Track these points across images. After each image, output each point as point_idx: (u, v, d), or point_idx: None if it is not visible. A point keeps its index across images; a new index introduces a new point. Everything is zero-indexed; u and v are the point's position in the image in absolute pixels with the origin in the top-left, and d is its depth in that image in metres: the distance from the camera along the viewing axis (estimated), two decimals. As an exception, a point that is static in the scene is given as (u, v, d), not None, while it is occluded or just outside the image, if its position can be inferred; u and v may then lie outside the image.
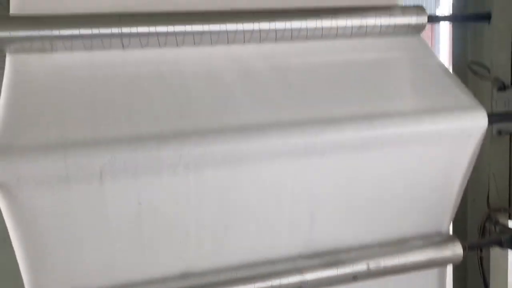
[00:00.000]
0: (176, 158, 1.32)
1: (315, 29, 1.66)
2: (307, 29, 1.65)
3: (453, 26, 2.02)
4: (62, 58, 1.48)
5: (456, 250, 1.73)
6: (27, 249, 1.30)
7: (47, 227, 1.29)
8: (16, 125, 1.27)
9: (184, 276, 1.46)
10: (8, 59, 1.45)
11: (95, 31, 1.47)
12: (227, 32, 1.58)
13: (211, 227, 1.43)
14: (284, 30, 1.63)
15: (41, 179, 1.23)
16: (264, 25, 1.60)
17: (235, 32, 1.59)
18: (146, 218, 1.36)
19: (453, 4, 2.02)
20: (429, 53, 1.78)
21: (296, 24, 1.63)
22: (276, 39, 1.63)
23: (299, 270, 1.55)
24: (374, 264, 1.62)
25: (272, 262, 1.55)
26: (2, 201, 1.22)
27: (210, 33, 1.56)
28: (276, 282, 1.52)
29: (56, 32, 1.44)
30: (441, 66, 1.72)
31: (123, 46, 1.52)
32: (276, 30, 1.62)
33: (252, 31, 1.60)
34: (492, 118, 1.61)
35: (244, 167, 1.39)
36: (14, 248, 1.31)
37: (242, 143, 1.38)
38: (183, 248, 1.43)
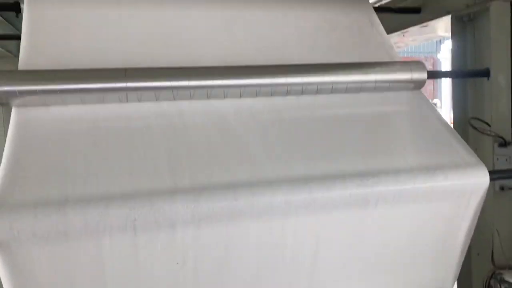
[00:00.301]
0: (172, 216, 1.31)
1: (318, 83, 1.69)
2: (308, 84, 1.68)
3: (453, 82, 2.04)
4: (66, 112, 1.50)
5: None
6: None
7: (44, 284, 1.27)
8: (16, 180, 1.28)
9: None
10: (13, 112, 1.47)
11: (102, 85, 1.50)
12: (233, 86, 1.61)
13: (209, 286, 1.41)
14: (290, 84, 1.66)
15: (40, 234, 1.22)
16: (272, 80, 1.64)
17: (237, 86, 1.62)
18: (143, 276, 1.34)
19: (452, 60, 2.05)
20: (430, 108, 1.79)
21: (301, 79, 1.66)
22: (272, 94, 1.67)
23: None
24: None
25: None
26: (-1, 258, 1.20)
27: (211, 87, 1.59)
28: None
29: (62, 86, 1.47)
30: (442, 121, 1.74)
31: (127, 99, 1.55)
32: (279, 84, 1.66)
33: (260, 85, 1.64)
34: (494, 174, 1.61)
35: (247, 224, 1.38)
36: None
37: (241, 200, 1.38)
38: None
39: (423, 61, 1.87)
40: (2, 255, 1.19)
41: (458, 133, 1.73)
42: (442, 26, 2.43)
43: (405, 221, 1.56)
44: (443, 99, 13.98)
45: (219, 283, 1.42)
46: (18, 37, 2.71)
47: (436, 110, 1.81)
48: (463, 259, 1.71)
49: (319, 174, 1.47)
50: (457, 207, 1.60)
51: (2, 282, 1.23)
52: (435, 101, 14.12)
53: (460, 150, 1.63)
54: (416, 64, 1.82)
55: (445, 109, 12.91)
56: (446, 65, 14.38)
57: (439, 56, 15.32)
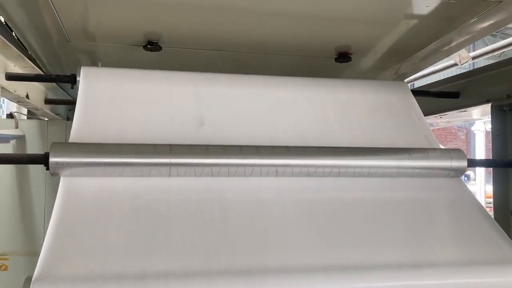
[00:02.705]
0: None
1: (356, 166, 1.71)
2: (345, 167, 1.70)
3: (493, 172, 2.02)
4: (111, 184, 1.55)
5: None
6: None
7: None
8: (58, 254, 1.31)
9: None
10: (61, 182, 1.53)
11: (147, 160, 1.56)
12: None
13: None
14: (328, 166, 1.68)
15: None
16: (310, 161, 1.67)
17: (272, 166, 1.66)
18: None
19: (493, 148, 2.04)
20: (470, 198, 1.77)
21: (342, 161, 1.69)
22: (308, 174, 1.68)
23: None
24: None
25: None
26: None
27: (245, 166, 1.63)
28: None
29: (108, 160, 1.53)
30: (483, 212, 1.70)
31: (170, 174, 1.60)
32: (316, 166, 1.68)
33: (298, 166, 1.66)
34: (539, 272, 1.54)
35: None
36: None
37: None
38: None
39: (457, 131, 1.86)
40: None
41: (499, 224, 1.69)
42: (479, 111, 2.44)
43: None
44: (477, 171, 13.70)
45: None
46: (68, 102, 2.89)
47: (476, 200, 1.78)
48: None
49: (356, 263, 1.45)
50: (500, 305, 1.53)
51: None
52: (468, 172, 13.82)
53: (503, 245, 1.58)
54: (455, 152, 1.81)
55: (480, 182, 12.57)
56: (480, 137, 14.20)
57: (473, 128, 15.18)
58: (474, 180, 13.01)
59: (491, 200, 2.08)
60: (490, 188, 2.01)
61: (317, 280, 1.38)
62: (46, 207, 2.40)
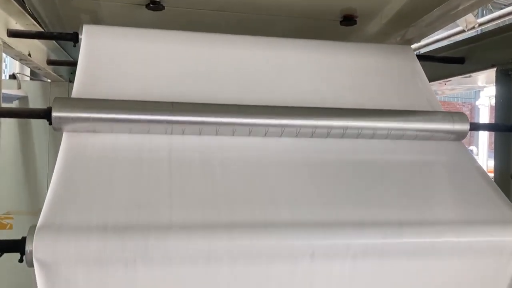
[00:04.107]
0: (207, 250, 1.33)
1: (360, 128, 1.71)
2: (349, 128, 1.70)
3: (496, 136, 2.02)
4: (114, 139, 1.56)
5: None
6: None
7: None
8: (62, 204, 1.33)
9: None
10: (64, 137, 1.54)
11: (149, 117, 1.56)
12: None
13: None
14: (331, 127, 1.69)
15: (79, 258, 1.26)
16: (313, 122, 1.67)
17: (279, 126, 1.66)
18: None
19: (496, 112, 2.04)
20: (471, 161, 1.77)
21: (340, 123, 1.68)
22: (312, 135, 1.69)
23: None
24: None
25: None
26: (39, 276, 1.24)
27: (252, 125, 1.63)
28: None
29: (111, 116, 1.54)
30: (484, 175, 1.71)
31: (172, 132, 1.60)
32: (320, 126, 1.68)
33: (301, 126, 1.67)
34: (536, 234, 1.56)
35: (281, 265, 1.38)
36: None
37: (275, 240, 1.38)
38: None
39: (461, 107, 1.86)
40: (43, 273, 1.24)
41: (499, 187, 1.70)
42: (484, 77, 2.41)
43: (438, 276, 1.52)
44: (480, 146, 13.64)
45: None
46: (70, 63, 2.88)
47: (477, 163, 1.78)
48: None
49: (355, 220, 1.46)
50: (495, 266, 1.55)
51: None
52: (471, 147, 13.79)
53: (501, 205, 1.60)
54: (458, 115, 1.81)
55: (482, 156, 12.57)
56: (484, 112, 14.10)
57: (477, 102, 15.06)
58: (477, 155, 13.01)
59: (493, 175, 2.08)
60: (492, 164, 2.02)
61: (315, 235, 1.40)
62: (49, 166, 2.41)
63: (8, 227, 2.70)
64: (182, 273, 1.34)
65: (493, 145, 1.98)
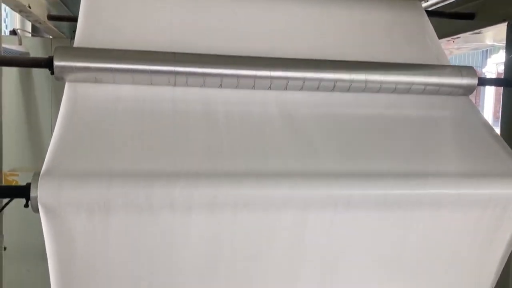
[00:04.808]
0: (211, 198, 1.33)
1: (366, 81, 1.68)
2: (355, 81, 1.67)
3: (504, 92, 1.99)
4: (116, 90, 1.55)
5: (494, 323, 1.64)
6: (60, 269, 1.32)
7: (82, 251, 1.31)
8: (65, 152, 1.33)
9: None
10: (66, 87, 1.53)
11: (150, 67, 1.54)
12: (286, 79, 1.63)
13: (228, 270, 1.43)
14: (336, 80, 1.65)
15: (82, 204, 1.26)
16: (318, 75, 1.64)
17: (284, 78, 1.63)
18: (179, 255, 1.37)
19: (505, 68, 2.00)
20: (477, 115, 1.75)
21: (346, 76, 1.65)
22: (317, 88, 1.66)
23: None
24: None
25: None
26: (45, 222, 1.26)
27: (255, 77, 1.60)
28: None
29: (113, 66, 1.52)
30: (490, 130, 1.69)
31: (175, 83, 1.58)
32: (325, 79, 1.65)
33: (306, 79, 1.63)
34: (541, 187, 1.55)
35: (283, 214, 1.39)
36: (49, 267, 1.33)
37: (278, 189, 1.38)
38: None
39: None
40: (46, 218, 1.25)
41: (506, 142, 1.68)
42: (492, 34, 2.36)
43: (444, 227, 1.53)
44: (485, 109, 13.57)
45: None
46: (71, 19, 2.82)
47: (484, 118, 1.76)
48: (501, 271, 1.67)
49: (359, 172, 1.46)
50: (499, 217, 1.55)
51: (46, 243, 1.28)
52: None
53: (507, 159, 1.59)
54: (466, 69, 1.78)
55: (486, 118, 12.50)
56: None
57: (484, 70, 14.88)
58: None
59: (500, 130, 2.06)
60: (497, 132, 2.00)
61: (318, 184, 1.40)
62: (52, 122, 2.41)
63: (14, 183, 2.73)
64: (186, 221, 1.35)
65: (498, 114, 1.96)
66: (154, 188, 1.30)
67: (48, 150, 1.33)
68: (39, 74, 2.27)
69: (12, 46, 2.50)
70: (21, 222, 2.16)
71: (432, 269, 1.58)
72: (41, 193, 1.23)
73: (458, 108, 1.77)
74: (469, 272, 1.64)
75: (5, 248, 2.13)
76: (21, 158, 2.51)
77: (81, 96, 1.51)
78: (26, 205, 1.26)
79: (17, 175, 2.66)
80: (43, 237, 1.30)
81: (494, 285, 1.68)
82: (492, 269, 1.65)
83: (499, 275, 1.67)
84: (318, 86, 1.66)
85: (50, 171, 1.27)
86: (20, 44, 2.66)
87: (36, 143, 2.38)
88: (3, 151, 1.88)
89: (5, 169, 2.12)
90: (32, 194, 1.23)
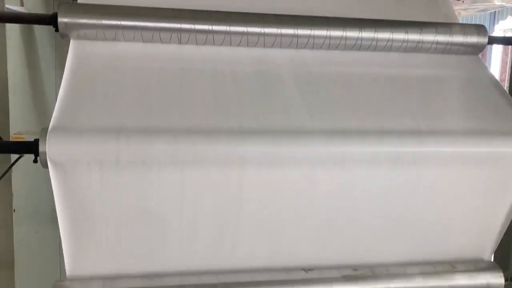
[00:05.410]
0: (222, 153, 1.34)
1: (375, 39, 1.66)
2: (365, 39, 1.65)
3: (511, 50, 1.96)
4: (122, 47, 1.53)
5: (496, 279, 1.66)
6: (70, 227, 1.34)
7: (93, 208, 1.33)
8: (73, 108, 1.33)
9: (216, 272, 1.48)
10: (71, 44, 1.51)
11: (156, 24, 1.52)
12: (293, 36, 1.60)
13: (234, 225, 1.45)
14: (346, 38, 1.63)
15: (93, 161, 1.27)
16: (327, 32, 1.62)
17: (293, 36, 1.60)
18: (188, 209, 1.39)
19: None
20: (487, 75, 1.73)
21: (355, 33, 1.63)
22: (328, 47, 1.64)
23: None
24: (410, 283, 1.58)
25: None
26: (54, 177, 1.27)
27: (265, 35, 1.58)
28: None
29: (118, 22, 1.49)
30: (500, 89, 1.68)
31: (180, 41, 1.56)
32: (334, 37, 1.63)
33: (314, 37, 1.61)
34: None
35: (295, 170, 1.40)
36: (59, 226, 1.35)
37: (285, 146, 1.38)
38: (216, 243, 1.45)
39: None
40: (55, 173, 1.26)
41: (514, 101, 1.67)
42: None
43: (450, 184, 1.54)
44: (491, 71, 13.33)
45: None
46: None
47: (493, 77, 1.74)
48: (504, 230, 1.68)
49: (369, 129, 1.45)
50: (506, 175, 1.56)
51: (55, 199, 1.29)
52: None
53: (516, 117, 1.58)
54: (476, 27, 1.75)
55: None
56: (498, 48, 13.74)
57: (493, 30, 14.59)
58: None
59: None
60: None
61: (327, 141, 1.40)
62: (57, 83, 2.39)
63: (19, 146, 2.72)
64: (192, 177, 1.36)
65: (504, 76, 1.93)
66: (161, 144, 1.30)
67: (56, 107, 1.33)
68: (42, 35, 2.23)
69: (14, 6, 2.46)
70: (29, 185, 2.17)
71: (439, 226, 1.60)
72: (50, 147, 1.23)
73: (467, 66, 1.74)
74: (472, 232, 1.66)
75: (14, 210, 2.16)
76: (26, 121, 2.50)
77: (86, 54, 1.50)
78: (35, 161, 1.27)
79: (23, 138, 2.66)
80: (51, 199, 1.31)
81: (496, 247, 1.70)
82: (495, 230, 1.66)
83: (501, 237, 1.68)
84: (328, 44, 1.63)
85: (57, 126, 1.27)
86: (22, 5, 2.60)
87: (39, 105, 2.37)
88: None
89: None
90: (40, 149, 1.24)
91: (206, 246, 1.45)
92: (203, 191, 1.38)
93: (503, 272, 1.67)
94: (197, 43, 1.58)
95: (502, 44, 1.93)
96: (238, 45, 1.59)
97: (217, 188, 1.37)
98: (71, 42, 1.51)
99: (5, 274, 1.99)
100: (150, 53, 1.53)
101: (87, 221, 1.34)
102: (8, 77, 2.00)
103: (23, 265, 2.02)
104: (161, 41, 1.55)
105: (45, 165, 1.25)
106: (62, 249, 1.40)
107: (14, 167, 2.00)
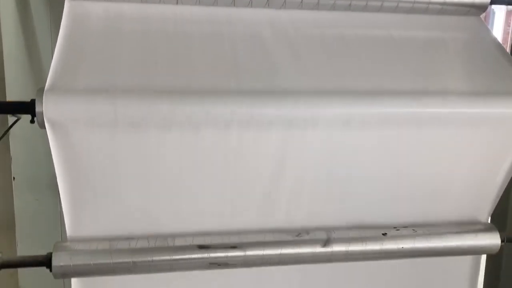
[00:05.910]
0: (224, 115, 1.33)
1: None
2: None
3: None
4: (118, 8, 1.50)
5: (493, 240, 1.68)
6: (70, 188, 1.35)
7: (92, 168, 1.33)
8: (69, 68, 1.31)
9: (221, 233, 1.49)
10: (66, 4, 1.48)
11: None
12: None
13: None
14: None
15: (91, 121, 1.26)
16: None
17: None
18: (186, 171, 1.39)
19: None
20: (489, 36, 1.71)
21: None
22: (317, 7, 1.62)
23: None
24: (407, 244, 1.60)
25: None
26: (52, 138, 1.26)
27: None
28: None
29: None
30: (502, 50, 1.66)
31: (176, 1, 1.54)
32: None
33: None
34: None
35: (295, 131, 1.40)
36: (59, 187, 1.35)
37: (286, 108, 1.38)
38: (220, 204, 1.46)
39: None
40: (53, 134, 1.25)
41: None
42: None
43: (447, 145, 1.53)
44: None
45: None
46: None
47: (495, 38, 1.72)
48: (501, 193, 1.69)
49: (364, 90, 1.44)
50: (504, 137, 1.56)
51: (54, 161, 1.29)
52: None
53: (517, 78, 1.57)
54: (478, -13, 1.71)
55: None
56: (500, 16, 13.59)
57: (494, 6, 14.42)
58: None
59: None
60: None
61: (322, 101, 1.39)
62: (52, 48, 2.35)
63: (18, 115, 2.71)
64: (193, 139, 1.35)
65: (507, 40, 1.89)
66: (159, 105, 1.29)
67: (51, 67, 1.31)
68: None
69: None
70: (28, 152, 2.18)
71: (431, 189, 1.60)
72: (47, 107, 1.22)
73: (468, 28, 1.72)
74: (469, 194, 1.66)
75: (13, 178, 2.17)
76: (22, 88, 2.48)
77: (82, 14, 1.47)
78: (32, 121, 1.26)
79: (20, 105, 2.63)
80: (51, 166, 1.31)
81: (493, 209, 1.71)
82: (492, 192, 1.67)
83: (498, 199, 1.69)
84: (317, 3, 1.61)
85: (54, 86, 1.26)
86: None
87: (36, 71, 2.35)
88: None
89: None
90: (37, 109, 1.23)
91: (208, 206, 1.46)
92: (202, 154, 1.37)
93: (499, 232, 1.69)
94: (194, 3, 1.55)
95: (505, 4, 1.90)
96: (234, 5, 1.57)
97: (215, 150, 1.38)
98: (66, 1, 1.49)
99: (6, 235, 2.02)
100: (145, 13, 1.51)
101: (87, 181, 1.35)
102: (3, 43, 1.97)
103: (24, 228, 2.05)
104: (158, 1, 1.52)
105: (42, 126, 1.24)
106: (62, 215, 1.41)
107: (11, 133, 2.00)
